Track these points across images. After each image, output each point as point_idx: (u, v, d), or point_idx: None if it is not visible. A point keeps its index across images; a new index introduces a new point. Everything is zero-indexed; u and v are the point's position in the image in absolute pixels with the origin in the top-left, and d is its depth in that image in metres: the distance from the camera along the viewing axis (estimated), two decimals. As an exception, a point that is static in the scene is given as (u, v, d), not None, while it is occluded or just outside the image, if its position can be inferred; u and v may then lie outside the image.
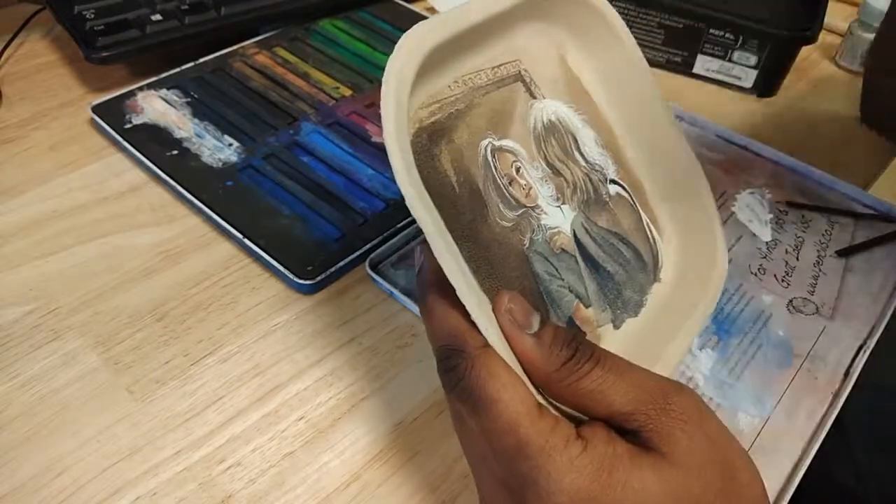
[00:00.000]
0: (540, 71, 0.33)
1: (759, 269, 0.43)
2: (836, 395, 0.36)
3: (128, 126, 0.48)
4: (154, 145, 0.47)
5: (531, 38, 0.32)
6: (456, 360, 0.22)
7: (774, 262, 0.43)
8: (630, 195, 0.34)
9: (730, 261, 0.43)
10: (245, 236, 0.41)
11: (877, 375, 0.40)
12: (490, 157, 0.29)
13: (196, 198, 0.43)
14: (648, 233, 0.35)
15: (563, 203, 0.31)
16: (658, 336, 0.31)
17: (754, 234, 0.45)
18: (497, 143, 0.30)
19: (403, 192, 0.23)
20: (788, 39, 0.55)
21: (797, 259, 0.43)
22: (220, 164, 0.46)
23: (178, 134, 0.48)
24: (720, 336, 0.39)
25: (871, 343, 0.38)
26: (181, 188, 0.44)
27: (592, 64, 0.34)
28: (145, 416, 0.34)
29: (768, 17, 0.55)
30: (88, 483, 0.31)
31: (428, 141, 0.27)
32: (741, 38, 0.56)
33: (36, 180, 0.46)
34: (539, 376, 0.23)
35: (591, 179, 0.33)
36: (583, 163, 0.33)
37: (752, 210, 0.46)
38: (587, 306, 0.30)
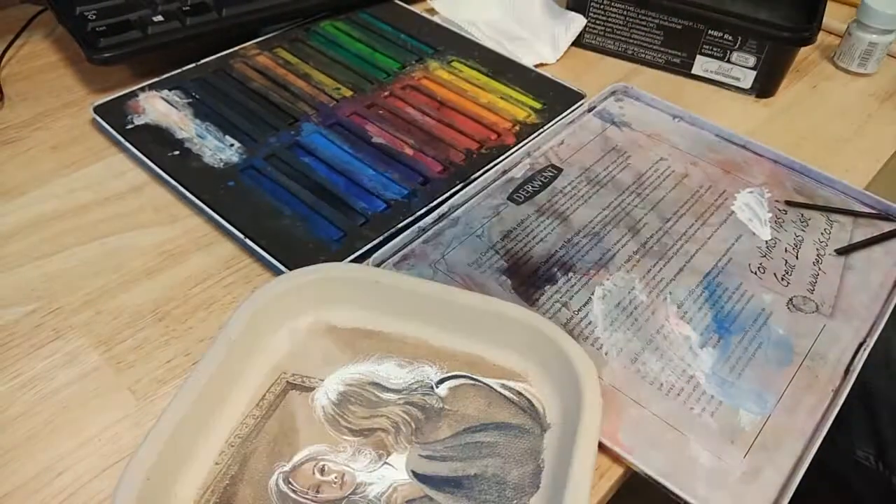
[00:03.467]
0: (309, 361, 0.34)
1: (758, 267, 0.43)
2: (837, 393, 0.36)
3: (129, 126, 0.48)
4: (156, 146, 0.47)
5: (287, 341, 0.35)
6: None
7: (774, 261, 0.43)
8: (468, 376, 0.34)
9: (729, 260, 0.43)
10: (246, 236, 0.41)
11: None
12: (285, 487, 0.29)
13: (198, 198, 0.43)
14: (507, 393, 0.33)
15: (388, 455, 0.31)
16: (564, 481, 0.29)
17: (754, 233, 0.45)
18: (288, 467, 0.30)
19: None
20: (787, 41, 0.55)
21: (796, 258, 0.43)
22: (222, 164, 0.46)
23: (180, 134, 0.48)
24: (721, 334, 0.39)
25: (871, 341, 0.38)
26: (183, 188, 0.44)
27: (356, 308, 0.36)
28: (147, 415, 0.34)
29: (767, 18, 0.55)
30: (90, 482, 0.31)
31: None
32: (740, 39, 0.56)
33: (38, 181, 0.46)
34: None
35: (412, 404, 0.32)
36: (396, 397, 0.33)
37: (752, 209, 0.47)
38: None
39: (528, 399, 0.33)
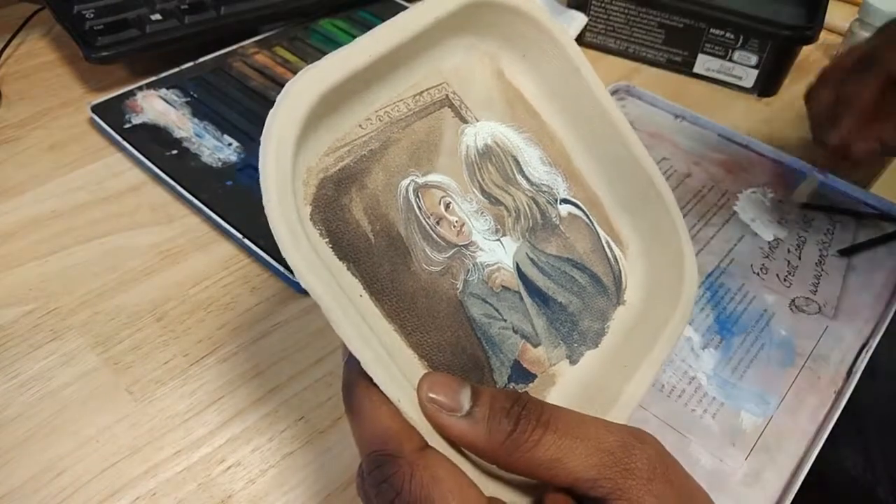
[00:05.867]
0: (472, 90, 0.31)
1: (761, 268, 0.42)
2: (839, 394, 0.36)
3: (127, 126, 0.48)
4: (154, 145, 0.46)
5: (460, 56, 0.30)
6: (390, 469, 0.20)
7: (776, 262, 0.43)
8: (585, 213, 0.32)
9: (732, 260, 0.43)
10: (245, 236, 0.41)
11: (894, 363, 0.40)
12: (413, 197, 0.27)
13: (196, 197, 0.43)
14: (608, 252, 0.32)
15: (504, 235, 0.30)
16: (621, 366, 0.29)
17: (756, 234, 0.45)
18: (421, 180, 0.28)
19: (292, 266, 0.21)
20: (789, 39, 0.55)
21: (799, 258, 0.43)
22: (220, 163, 0.46)
23: (178, 134, 0.48)
24: (723, 335, 0.38)
25: (874, 342, 0.38)
26: (181, 188, 0.44)
27: (534, 75, 0.32)
28: (145, 416, 0.34)
29: (769, 16, 0.55)
30: (88, 483, 0.31)
31: (335, 191, 0.25)
32: (742, 37, 0.56)
33: (35, 180, 0.46)
34: (484, 456, 0.20)
35: (537, 203, 0.31)
36: (527, 186, 0.31)
37: (754, 209, 0.46)
38: (536, 345, 0.28)
39: (620, 268, 0.33)
